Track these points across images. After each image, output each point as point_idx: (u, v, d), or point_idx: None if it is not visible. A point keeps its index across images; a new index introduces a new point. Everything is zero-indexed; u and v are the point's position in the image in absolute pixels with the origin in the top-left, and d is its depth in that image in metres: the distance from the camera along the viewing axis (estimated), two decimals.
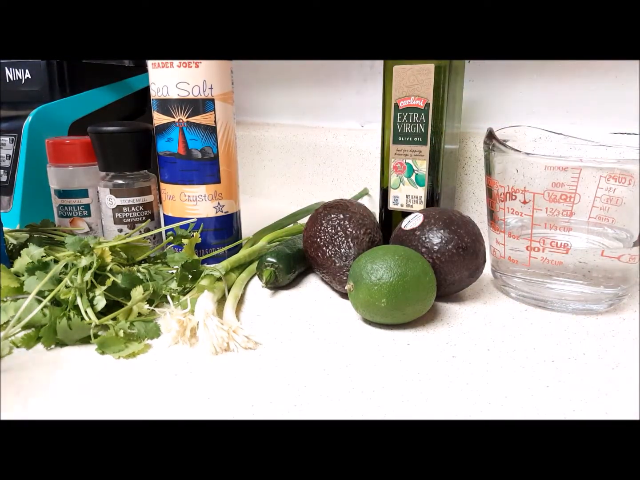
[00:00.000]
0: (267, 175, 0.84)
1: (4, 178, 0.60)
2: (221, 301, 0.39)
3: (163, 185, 0.49)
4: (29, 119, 0.58)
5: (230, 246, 0.50)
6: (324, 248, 0.42)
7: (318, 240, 0.43)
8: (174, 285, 0.40)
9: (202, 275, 0.41)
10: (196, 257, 0.43)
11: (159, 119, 0.46)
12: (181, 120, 0.45)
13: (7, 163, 0.60)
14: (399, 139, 0.50)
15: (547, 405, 0.27)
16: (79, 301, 0.35)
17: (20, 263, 0.39)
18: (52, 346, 0.33)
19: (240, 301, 0.41)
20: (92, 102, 0.64)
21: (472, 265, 0.39)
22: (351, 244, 0.41)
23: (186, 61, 0.44)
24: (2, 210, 0.60)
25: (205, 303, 0.35)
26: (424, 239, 0.39)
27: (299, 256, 0.45)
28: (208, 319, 0.34)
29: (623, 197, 0.36)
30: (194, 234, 0.45)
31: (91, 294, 0.36)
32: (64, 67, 0.61)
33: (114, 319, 0.35)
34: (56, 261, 0.39)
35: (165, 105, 0.45)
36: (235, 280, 0.43)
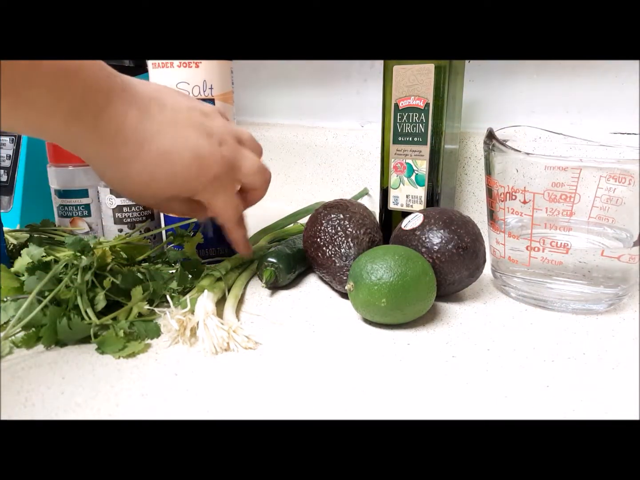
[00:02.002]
0: None
1: (4, 178, 0.60)
2: (221, 301, 0.39)
3: None
4: None
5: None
6: (324, 248, 0.42)
7: (318, 240, 0.43)
8: (174, 285, 0.40)
9: (203, 275, 0.41)
10: (197, 256, 0.43)
11: None
12: None
13: (7, 163, 0.60)
14: (399, 139, 0.50)
15: (547, 405, 0.27)
16: (79, 301, 0.35)
17: (21, 263, 0.39)
18: (52, 346, 0.33)
19: (240, 301, 0.41)
20: None
21: (472, 265, 0.39)
22: (351, 244, 0.41)
23: (186, 61, 0.44)
24: (2, 210, 0.60)
25: (205, 303, 0.35)
26: (424, 238, 0.39)
27: (299, 256, 0.45)
28: (208, 318, 0.34)
29: (623, 197, 0.36)
30: (195, 234, 0.45)
31: (91, 294, 0.36)
32: None
33: (114, 318, 0.35)
34: (56, 261, 0.39)
35: None
36: (235, 280, 0.43)
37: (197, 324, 0.34)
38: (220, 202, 0.37)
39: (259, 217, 0.61)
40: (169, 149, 0.33)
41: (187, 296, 0.37)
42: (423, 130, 0.48)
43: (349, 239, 0.42)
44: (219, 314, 0.37)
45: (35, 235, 0.48)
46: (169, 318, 0.34)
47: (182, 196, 0.36)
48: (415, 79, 0.48)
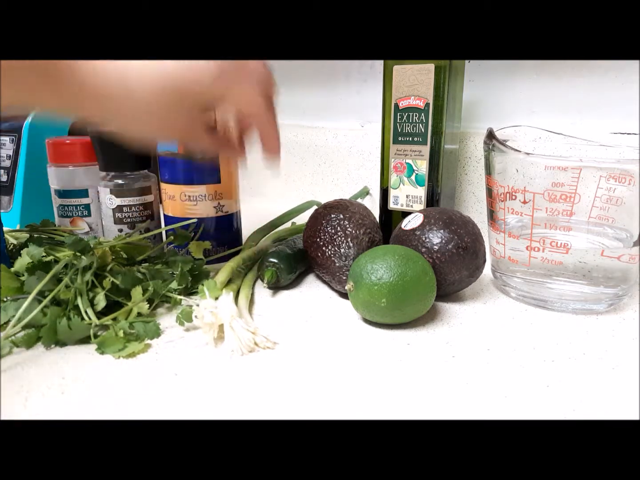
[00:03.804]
0: (267, 175, 0.84)
1: (4, 178, 0.60)
2: None
3: (163, 185, 0.49)
4: (29, 118, 0.59)
5: (233, 250, 0.50)
6: (324, 248, 0.42)
7: (318, 240, 0.43)
8: (174, 285, 0.40)
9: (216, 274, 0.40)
10: (202, 257, 0.43)
11: None
12: None
13: (7, 163, 0.60)
14: (399, 139, 0.50)
15: (547, 405, 0.27)
16: (79, 301, 0.35)
17: (21, 263, 0.39)
18: (52, 346, 0.33)
19: (251, 302, 0.41)
20: None
21: (472, 265, 0.39)
22: (351, 244, 0.41)
23: None
24: (2, 210, 0.60)
25: (228, 304, 0.35)
26: (424, 238, 0.39)
27: (300, 256, 0.45)
28: (234, 320, 0.34)
29: (623, 197, 0.36)
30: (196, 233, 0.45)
31: (91, 294, 0.36)
32: None
33: (114, 319, 0.35)
34: (56, 261, 0.39)
35: None
36: (243, 281, 0.42)
37: (222, 325, 0.34)
38: (237, 93, 0.36)
39: (259, 217, 0.61)
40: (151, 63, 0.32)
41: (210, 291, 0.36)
42: (423, 130, 0.48)
43: (349, 239, 0.42)
44: None
45: (35, 235, 0.48)
46: (202, 309, 0.34)
47: (196, 109, 0.34)
48: (415, 79, 0.48)
